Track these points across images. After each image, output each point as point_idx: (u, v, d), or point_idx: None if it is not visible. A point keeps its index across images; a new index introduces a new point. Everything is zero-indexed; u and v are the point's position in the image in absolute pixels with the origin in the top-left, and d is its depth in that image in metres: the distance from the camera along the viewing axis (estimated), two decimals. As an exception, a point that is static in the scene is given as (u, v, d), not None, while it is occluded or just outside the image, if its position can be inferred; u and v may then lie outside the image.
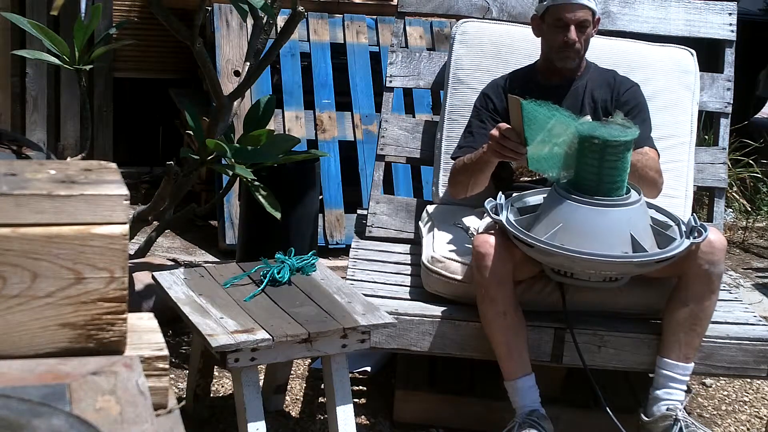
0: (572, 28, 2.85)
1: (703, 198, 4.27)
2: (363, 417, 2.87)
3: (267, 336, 2.27)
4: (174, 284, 2.58)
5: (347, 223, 4.18)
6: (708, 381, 3.30)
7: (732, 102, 3.44)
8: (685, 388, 2.64)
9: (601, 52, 3.15)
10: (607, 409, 2.57)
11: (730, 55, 3.45)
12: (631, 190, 2.57)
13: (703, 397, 3.22)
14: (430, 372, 3.02)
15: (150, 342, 1.23)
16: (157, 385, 1.18)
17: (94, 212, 1.14)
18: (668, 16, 3.47)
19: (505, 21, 3.40)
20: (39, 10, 4.44)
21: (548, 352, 2.69)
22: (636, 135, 2.48)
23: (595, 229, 2.48)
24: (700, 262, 2.56)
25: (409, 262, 3.10)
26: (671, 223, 2.66)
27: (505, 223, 2.54)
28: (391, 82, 3.44)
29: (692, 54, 3.32)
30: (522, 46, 3.24)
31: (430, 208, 3.19)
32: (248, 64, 3.17)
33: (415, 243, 3.19)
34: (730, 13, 3.47)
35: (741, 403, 3.20)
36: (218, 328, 2.30)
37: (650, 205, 2.70)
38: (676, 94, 3.25)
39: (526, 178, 2.96)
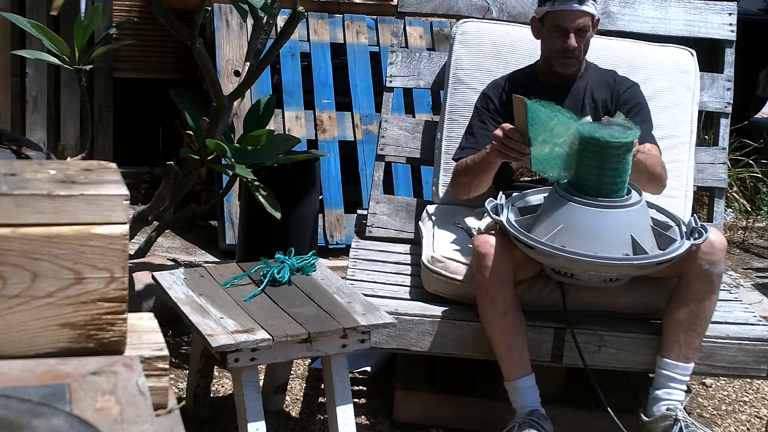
0: (572, 35, 2.84)
1: (703, 198, 4.27)
2: (363, 417, 2.87)
3: (267, 336, 2.27)
4: (174, 284, 2.58)
5: (347, 223, 4.18)
6: (708, 381, 3.30)
7: (732, 102, 3.44)
8: (685, 388, 2.64)
9: (601, 52, 3.15)
10: (608, 408, 2.57)
11: (730, 55, 3.46)
12: (632, 191, 2.57)
13: (703, 397, 3.22)
14: (430, 372, 3.02)
15: (150, 342, 1.23)
16: (157, 385, 1.18)
17: (94, 212, 1.14)
18: (668, 16, 3.47)
19: (505, 21, 3.40)
20: (39, 10, 4.44)
21: (548, 352, 2.69)
22: (637, 136, 2.48)
23: (595, 230, 2.48)
24: (701, 263, 2.56)
25: (409, 262, 3.10)
26: (672, 223, 2.66)
27: (505, 223, 2.54)
28: (391, 82, 3.44)
29: (692, 54, 3.32)
30: (522, 46, 3.24)
31: (430, 208, 3.19)
32: (248, 64, 3.17)
33: (415, 243, 3.19)
34: (730, 13, 3.47)
35: (741, 403, 3.20)
36: (218, 328, 2.30)
37: (651, 205, 2.70)
38: (676, 94, 3.25)
39: (526, 178, 2.96)
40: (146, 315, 1.31)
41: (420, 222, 3.18)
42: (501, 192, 2.75)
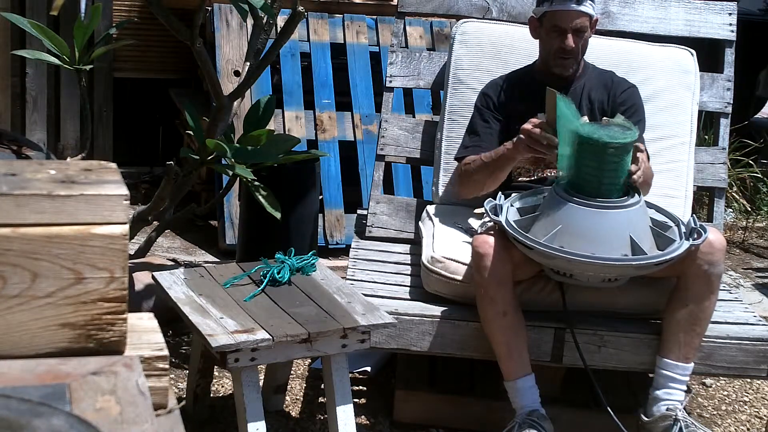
0: (569, 35, 2.84)
1: (703, 198, 4.27)
2: (363, 417, 2.87)
3: (267, 336, 2.27)
4: (174, 284, 2.58)
5: (347, 223, 4.18)
6: (708, 381, 3.30)
7: (732, 102, 3.44)
8: (684, 388, 2.64)
9: (601, 52, 3.15)
10: (608, 408, 2.57)
11: (730, 55, 3.45)
12: (631, 191, 2.56)
13: (703, 397, 3.22)
14: (430, 372, 3.02)
15: (150, 342, 1.23)
16: (157, 385, 1.18)
17: (94, 212, 1.14)
18: (668, 16, 3.47)
19: (505, 21, 3.40)
20: (39, 10, 4.44)
21: (548, 352, 2.70)
22: (635, 136, 2.48)
23: (594, 230, 2.48)
24: (700, 263, 2.56)
25: (409, 262, 3.10)
26: (671, 223, 2.66)
27: (504, 224, 2.54)
28: (391, 82, 3.44)
29: (692, 54, 3.32)
30: (522, 46, 3.24)
31: (430, 208, 3.19)
32: (248, 64, 3.17)
33: (415, 243, 3.19)
34: (730, 13, 3.47)
35: (741, 403, 3.20)
36: (218, 328, 2.30)
37: (650, 205, 2.70)
38: (677, 94, 3.25)
39: (524, 179, 2.96)
40: (146, 315, 1.31)
41: (420, 222, 3.18)
42: (500, 192, 2.75)
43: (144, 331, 1.26)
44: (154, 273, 2.68)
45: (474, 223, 2.91)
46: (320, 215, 4.05)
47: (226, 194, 3.76)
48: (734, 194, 5.00)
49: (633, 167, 2.52)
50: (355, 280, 2.89)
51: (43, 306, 1.14)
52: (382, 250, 3.20)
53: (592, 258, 2.43)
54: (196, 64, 3.23)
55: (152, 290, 3.08)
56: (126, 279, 1.17)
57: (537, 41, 3.01)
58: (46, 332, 1.15)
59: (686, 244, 2.51)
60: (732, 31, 3.45)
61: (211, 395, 2.85)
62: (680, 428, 2.54)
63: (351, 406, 2.45)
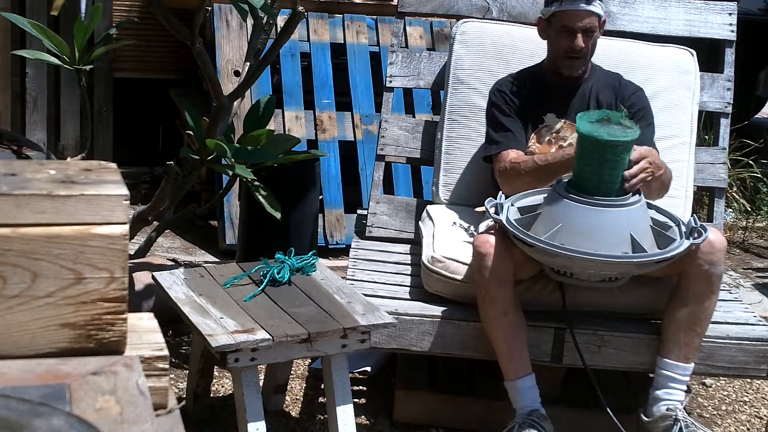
0: (579, 35, 2.84)
1: (703, 198, 4.27)
2: (363, 417, 2.87)
3: (267, 336, 2.27)
4: (174, 284, 2.58)
5: (347, 223, 4.18)
6: (708, 381, 3.30)
7: (732, 102, 3.44)
8: (685, 388, 2.64)
9: (601, 52, 3.14)
10: (608, 409, 2.57)
11: (730, 55, 3.45)
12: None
13: (703, 397, 3.22)
14: (430, 372, 3.02)
15: (150, 342, 1.23)
16: (157, 385, 1.18)
17: (94, 212, 1.14)
18: (668, 16, 3.47)
19: (505, 21, 3.40)
20: (39, 10, 4.44)
21: (548, 352, 2.69)
22: (636, 136, 2.48)
23: (594, 229, 2.48)
24: (700, 263, 2.56)
25: (409, 262, 3.10)
26: (671, 223, 2.66)
27: (504, 222, 2.54)
28: (391, 82, 3.44)
29: (692, 54, 3.32)
30: (523, 46, 3.24)
31: (430, 208, 3.19)
32: (248, 64, 3.17)
33: (415, 243, 3.19)
34: (730, 13, 3.47)
35: (741, 403, 3.20)
36: (218, 328, 2.30)
37: (650, 206, 2.70)
38: (677, 94, 3.25)
39: None
40: (146, 315, 1.31)
41: (420, 222, 3.18)
42: (501, 191, 2.74)
43: (144, 331, 1.26)
44: (154, 273, 2.68)
45: (483, 227, 2.87)
46: (320, 215, 4.05)
47: (226, 194, 3.76)
48: (734, 194, 5.00)
49: (627, 173, 2.52)
50: (355, 280, 2.89)
51: (43, 306, 1.14)
52: (382, 250, 3.20)
53: (593, 255, 2.43)
54: (196, 64, 3.23)
55: (152, 290, 3.08)
56: (126, 279, 1.17)
57: (539, 41, 3.01)
58: (46, 332, 1.15)
59: (687, 243, 2.51)
60: (732, 31, 3.45)
61: (211, 395, 2.85)
62: (680, 428, 2.54)
63: (351, 406, 2.45)
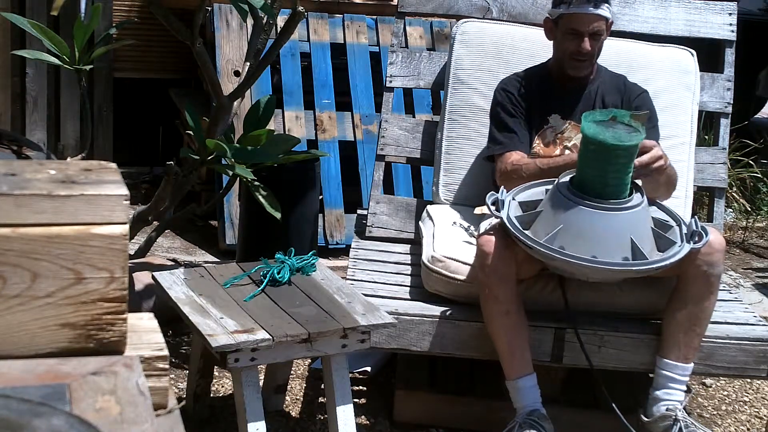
0: (586, 38, 2.83)
1: (703, 198, 4.27)
2: (363, 417, 2.87)
3: (267, 336, 2.27)
4: (174, 284, 2.58)
5: (347, 223, 4.18)
6: (708, 381, 3.30)
7: (732, 102, 3.44)
8: (684, 388, 2.64)
9: (602, 51, 3.14)
10: (613, 405, 2.56)
11: (730, 55, 3.46)
12: (634, 192, 2.56)
13: (703, 397, 3.22)
14: (430, 372, 3.02)
15: (150, 342, 1.23)
16: (157, 385, 1.18)
17: (94, 212, 1.14)
18: (668, 16, 3.47)
19: (505, 21, 3.40)
20: (39, 10, 4.44)
21: (548, 352, 2.69)
22: (641, 139, 2.46)
23: (595, 232, 2.47)
24: (699, 263, 2.56)
25: (409, 262, 3.10)
26: (672, 223, 2.66)
27: (506, 221, 2.54)
28: (391, 82, 3.44)
29: (692, 54, 3.32)
30: (523, 46, 3.24)
31: (430, 208, 3.19)
32: (248, 64, 3.17)
33: (415, 243, 3.19)
34: (730, 13, 3.47)
35: (741, 403, 3.20)
36: (218, 328, 2.30)
37: (652, 203, 2.69)
38: (677, 95, 3.25)
39: None
40: (146, 315, 1.31)
41: (420, 222, 3.18)
42: (502, 186, 2.72)
43: (144, 331, 1.26)
44: (154, 273, 2.68)
45: (483, 224, 2.86)
46: (320, 215, 4.05)
47: (226, 194, 3.76)
48: (734, 194, 5.00)
49: (638, 160, 2.50)
50: (355, 280, 2.89)
51: (43, 306, 1.14)
52: (382, 250, 3.20)
53: (593, 262, 2.43)
54: (196, 64, 3.23)
55: (152, 290, 3.08)
56: (126, 279, 1.17)
57: (539, 41, 3.01)
58: (46, 332, 1.15)
59: (687, 248, 2.51)
60: (732, 31, 3.45)
61: (211, 395, 2.85)
62: (680, 428, 2.54)
63: (351, 406, 2.45)
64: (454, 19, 3.62)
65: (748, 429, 3.04)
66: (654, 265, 2.46)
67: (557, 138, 2.91)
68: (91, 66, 3.11)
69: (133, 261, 3.35)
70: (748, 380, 3.27)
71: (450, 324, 2.70)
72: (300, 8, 3.01)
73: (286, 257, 2.66)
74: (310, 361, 3.15)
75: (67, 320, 1.16)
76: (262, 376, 2.87)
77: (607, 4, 2.82)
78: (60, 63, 3.04)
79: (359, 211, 3.61)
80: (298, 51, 4.40)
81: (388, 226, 3.33)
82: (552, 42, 2.97)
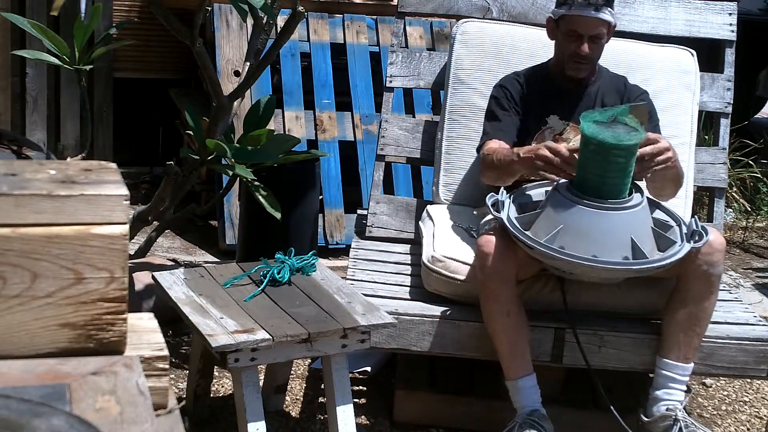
0: (586, 42, 2.83)
1: (703, 198, 4.27)
2: (363, 417, 2.87)
3: (267, 336, 2.27)
4: (174, 284, 2.58)
5: (347, 223, 4.18)
6: (708, 381, 3.30)
7: (732, 102, 3.44)
8: (684, 388, 2.64)
9: (602, 53, 3.15)
10: (611, 407, 2.56)
11: (730, 55, 3.46)
12: (634, 192, 2.56)
13: (703, 397, 3.22)
14: (430, 372, 3.02)
15: (150, 342, 1.23)
16: (157, 385, 1.18)
17: (94, 212, 1.14)
18: (668, 16, 3.47)
19: (505, 21, 3.40)
20: (39, 10, 4.44)
21: (548, 352, 2.69)
22: (641, 138, 2.46)
23: (596, 232, 2.47)
24: (699, 263, 2.56)
25: (409, 262, 3.10)
26: (672, 223, 2.66)
27: (505, 221, 2.54)
28: (391, 82, 3.44)
29: (692, 54, 3.32)
30: (523, 46, 3.24)
31: (430, 208, 3.19)
32: (248, 64, 3.17)
33: (415, 243, 3.19)
34: (730, 13, 3.47)
35: (741, 403, 3.20)
36: (218, 328, 2.30)
37: (653, 203, 2.69)
38: (677, 95, 3.25)
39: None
40: (146, 315, 1.31)
41: (420, 222, 3.18)
42: (502, 187, 2.72)
43: (144, 331, 1.26)
44: (154, 273, 2.68)
45: (482, 226, 2.86)
46: (320, 215, 4.05)
47: (226, 194, 3.76)
48: (734, 194, 5.00)
49: (641, 151, 2.49)
50: (355, 280, 2.89)
51: (43, 306, 1.14)
52: (382, 250, 3.20)
53: (593, 261, 2.43)
54: (196, 64, 3.23)
55: (152, 290, 3.08)
56: (126, 279, 1.17)
57: (539, 41, 3.02)
58: (46, 332, 1.15)
59: (687, 247, 2.51)
60: (732, 31, 3.45)
61: (211, 395, 2.85)
62: (680, 428, 2.54)
63: (351, 406, 2.45)
64: (454, 19, 3.62)
65: (748, 429, 3.04)
66: (654, 265, 2.46)
67: (556, 139, 2.91)
68: (91, 66, 3.11)
69: (133, 261, 3.35)
70: (748, 380, 3.27)
71: (450, 324, 2.70)
72: (300, 8, 3.01)
73: (286, 257, 2.66)
74: (310, 361, 3.15)
75: (67, 320, 1.16)
76: (262, 376, 2.87)
77: (609, 8, 2.82)
78: (60, 63, 3.04)
79: (359, 211, 3.61)
80: (298, 51, 4.40)
81: (388, 226, 3.33)
82: (553, 41, 2.97)
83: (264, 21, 3.13)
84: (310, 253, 2.74)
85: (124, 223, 1.15)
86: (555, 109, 2.93)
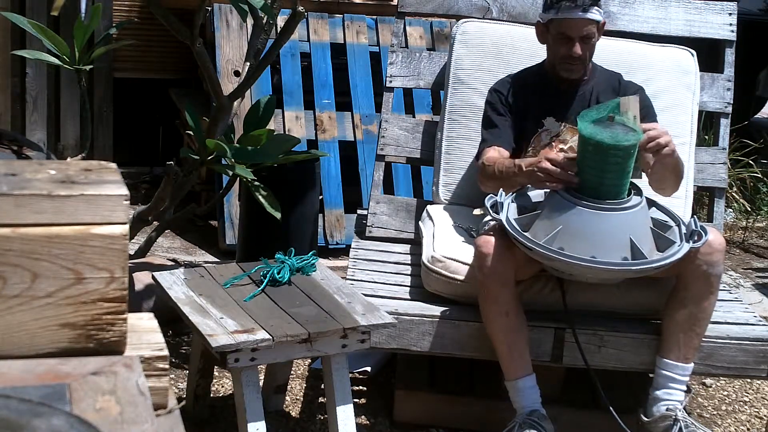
0: (577, 43, 2.83)
1: (703, 198, 4.27)
2: (363, 417, 2.87)
3: (267, 336, 2.27)
4: (174, 284, 2.58)
5: (347, 223, 4.18)
6: (708, 381, 3.30)
7: (732, 102, 3.44)
8: (684, 388, 2.64)
9: (601, 52, 3.14)
10: (610, 407, 2.56)
11: (730, 55, 3.45)
12: (633, 192, 2.56)
13: (703, 397, 3.22)
14: (430, 372, 3.02)
15: (150, 342, 1.23)
16: (157, 385, 1.18)
17: (94, 212, 1.14)
18: (668, 16, 3.47)
19: (505, 21, 3.40)
20: (39, 10, 4.44)
21: (548, 352, 2.69)
22: (639, 138, 2.47)
23: (595, 232, 2.47)
24: (699, 263, 2.56)
25: (409, 262, 3.10)
26: (672, 223, 2.66)
27: (504, 222, 2.54)
28: (391, 82, 3.44)
29: (692, 54, 3.32)
30: (523, 46, 3.24)
31: (430, 208, 3.19)
32: (248, 64, 3.17)
33: (415, 243, 3.19)
34: (730, 13, 3.47)
35: (741, 403, 3.20)
36: (218, 328, 2.30)
37: (652, 203, 2.69)
38: (677, 95, 3.25)
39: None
40: (146, 315, 1.31)
41: (420, 222, 3.18)
42: (501, 188, 2.72)
43: (144, 331, 1.26)
44: (154, 273, 2.68)
45: (481, 227, 2.86)
46: (320, 215, 4.05)
47: (226, 194, 3.76)
48: (734, 194, 5.00)
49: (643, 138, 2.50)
50: (355, 280, 2.89)
51: (43, 306, 1.14)
52: (382, 250, 3.20)
53: (592, 262, 2.43)
54: (196, 64, 3.23)
55: (152, 290, 3.09)
56: (126, 279, 1.17)
57: (537, 41, 3.00)
58: (46, 332, 1.15)
59: (686, 247, 2.51)
60: (732, 31, 3.45)
61: (211, 395, 2.85)
62: (680, 428, 2.54)
63: (351, 406, 2.45)
64: (454, 19, 3.61)
65: (748, 429, 3.04)
66: (653, 265, 2.46)
67: (553, 140, 2.91)
68: (91, 66, 3.11)
69: (133, 261, 3.35)
70: (748, 380, 3.27)
71: (450, 324, 2.70)
72: (300, 8, 3.01)
73: (286, 257, 2.66)
74: (310, 361, 3.15)
75: (67, 320, 1.16)
76: (262, 376, 2.87)
77: (596, 7, 2.82)
78: (60, 63, 3.04)
79: (359, 211, 3.61)
80: (298, 51, 4.40)
81: (388, 226, 3.33)
82: (544, 45, 2.97)
83: (264, 21, 3.13)
84: (310, 253, 2.74)
85: (124, 223, 1.15)
86: (550, 110, 2.93)
